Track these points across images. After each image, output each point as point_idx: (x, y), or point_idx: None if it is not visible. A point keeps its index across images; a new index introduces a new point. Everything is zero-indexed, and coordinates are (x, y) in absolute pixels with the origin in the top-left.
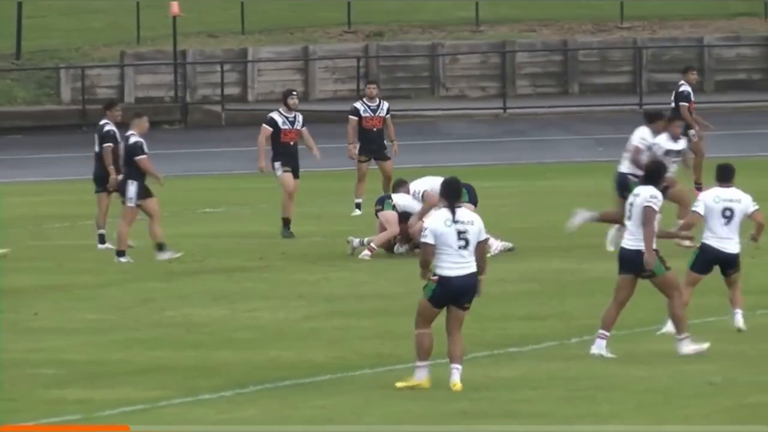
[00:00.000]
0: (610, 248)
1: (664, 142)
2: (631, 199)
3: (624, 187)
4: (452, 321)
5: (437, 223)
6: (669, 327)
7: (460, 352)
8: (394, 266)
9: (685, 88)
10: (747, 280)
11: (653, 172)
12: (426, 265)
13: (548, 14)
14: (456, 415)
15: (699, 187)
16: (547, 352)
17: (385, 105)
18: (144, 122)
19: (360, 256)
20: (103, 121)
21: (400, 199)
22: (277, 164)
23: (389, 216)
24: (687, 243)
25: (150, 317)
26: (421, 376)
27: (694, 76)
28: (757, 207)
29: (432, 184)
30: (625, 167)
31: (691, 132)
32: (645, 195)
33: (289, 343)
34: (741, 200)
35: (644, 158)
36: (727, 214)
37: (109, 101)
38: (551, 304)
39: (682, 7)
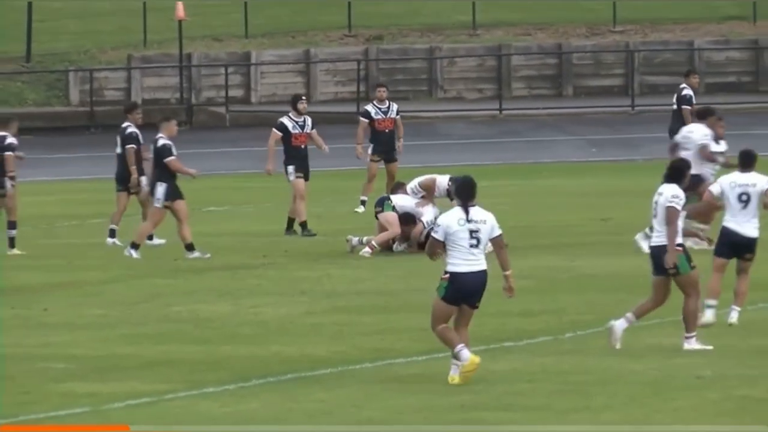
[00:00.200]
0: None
1: (701, 138)
2: (655, 197)
3: (697, 184)
4: (461, 318)
5: (450, 221)
6: (710, 317)
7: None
8: (394, 263)
9: (687, 91)
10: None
11: (677, 170)
12: (431, 256)
13: (543, 18)
14: (454, 408)
15: None
16: (542, 347)
17: (395, 106)
18: (172, 125)
19: (360, 253)
20: (125, 124)
21: (399, 200)
22: (291, 168)
23: (390, 217)
24: (704, 245)
25: (157, 313)
26: (465, 356)
27: (696, 79)
28: None
29: (421, 177)
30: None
31: None
32: (667, 194)
33: (291, 338)
34: (756, 183)
35: (712, 151)
36: (744, 198)
37: (131, 104)
38: (545, 300)
39: (673, 11)
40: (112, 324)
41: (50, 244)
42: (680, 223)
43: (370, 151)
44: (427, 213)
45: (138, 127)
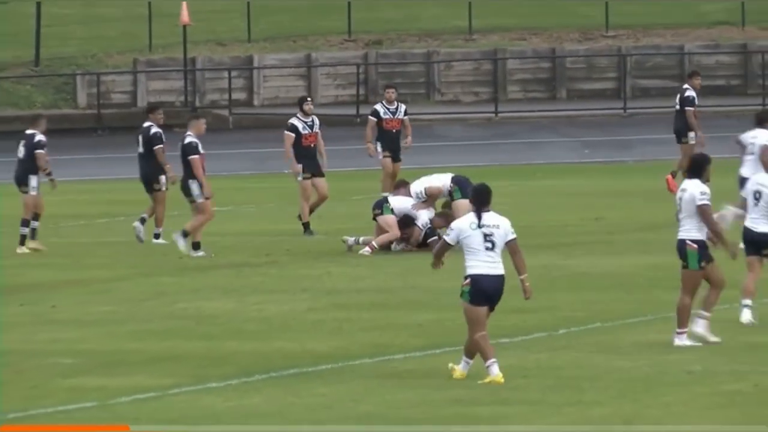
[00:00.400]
0: None
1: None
2: (679, 193)
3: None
4: None
5: (463, 225)
6: (747, 316)
7: (475, 349)
8: (393, 262)
9: (690, 92)
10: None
11: (697, 165)
12: (438, 255)
13: (537, 23)
14: (451, 402)
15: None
16: (536, 343)
17: (403, 107)
18: (201, 123)
19: (360, 252)
20: (147, 124)
21: (397, 202)
22: (299, 167)
23: (389, 220)
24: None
25: (162, 310)
26: (495, 372)
27: (698, 81)
28: None
29: (428, 182)
30: (746, 171)
31: (691, 135)
32: (693, 192)
33: (293, 334)
34: None
35: None
36: (756, 196)
37: (152, 105)
38: (540, 297)
39: (664, 16)
40: (119, 320)
41: (58, 243)
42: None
43: (379, 148)
44: (423, 215)
45: (160, 127)
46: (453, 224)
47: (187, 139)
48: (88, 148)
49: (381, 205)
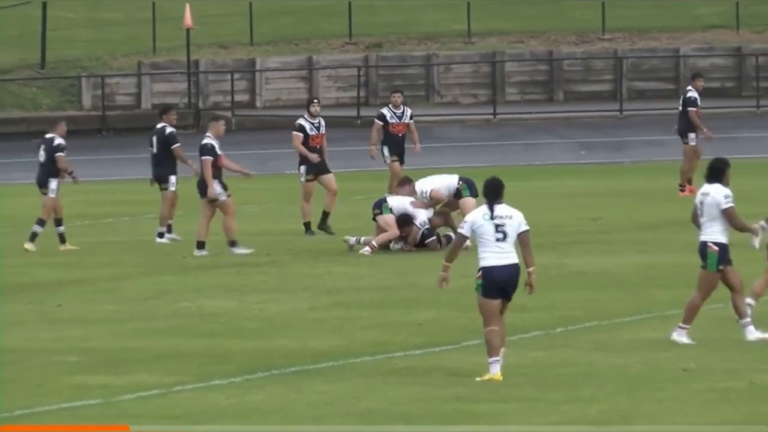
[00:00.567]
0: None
1: None
2: (700, 197)
3: None
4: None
5: (476, 217)
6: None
7: (504, 337)
8: (392, 261)
9: (693, 93)
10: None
11: (716, 169)
12: (451, 256)
13: (535, 27)
14: (450, 399)
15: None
16: (535, 341)
17: (409, 111)
18: (219, 125)
19: (360, 252)
20: (160, 125)
21: (395, 202)
22: (303, 169)
23: (388, 219)
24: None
25: (166, 308)
26: (495, 370)
27: (701, 82)
28: None
29: (435, 183)
30: None
31: (691, 136)
32: (717, 196)
33: (294, 333)
34: None
35: None
36: None
37: (166, 106)
38: (538, 296)
39: (659, 20)
40: (123, 319)
41: None
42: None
43: (387, 152)
44: (421, 214)
45: (173, 127)
46: (467, 217)
47: (204, 140)
48: (93, 149)
49: (380, 205)
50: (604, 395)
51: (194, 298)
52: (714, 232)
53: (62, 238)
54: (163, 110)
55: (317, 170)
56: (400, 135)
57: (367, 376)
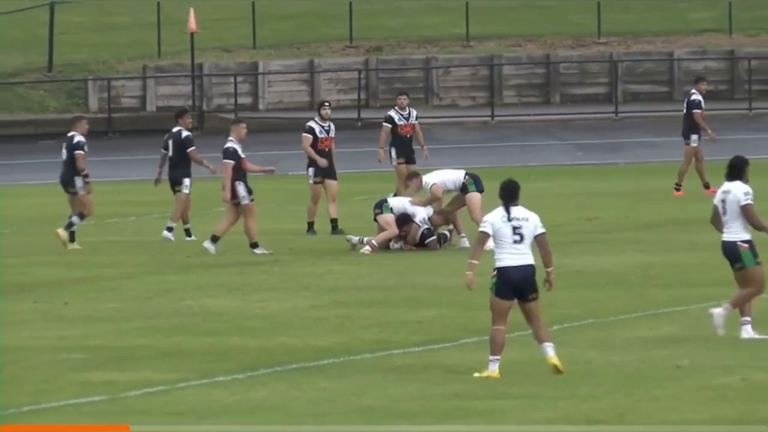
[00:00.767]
0: None
1: None
2: (722, 195)
3: None
4: (528, 313)
5: (495, 218)
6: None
7: (545, 332)
8: (392, 260)
9: (696, 96)
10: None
11: (736, 167)
12: (476, 253)
13: (532, 31)
14: (449, 396)
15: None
16: (530, 339)
17: (414, 113)
18: (240, 128)
19: (361, 251)
20: (176, 128)
21: (396, 202)
22: (311, 171)
23: (388, 219)
24: None
25: (169, 307)
26: (493, 368)
27: (704, 85)
28: None
29: (442, 177)
30: None
31: (693, 137)
32: (737, 193)
33: (296, 331)
34: None
35: None
36: None
37: (181, 109)
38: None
39: (654, 24)
40: (128, 317)
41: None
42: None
43: (394, 154)
44: (420, 212)
45: (189, 130)
46: (486, 217)
47: (226, 144)
48: (99, 151)
49: (381, 205)
50: (601, 392)
51: (197, 296)
52: (739, 230)
53: (72, 235)
54: (179, 114)
55: (325, 173)
56: (407, 136)
57: (368, 374)
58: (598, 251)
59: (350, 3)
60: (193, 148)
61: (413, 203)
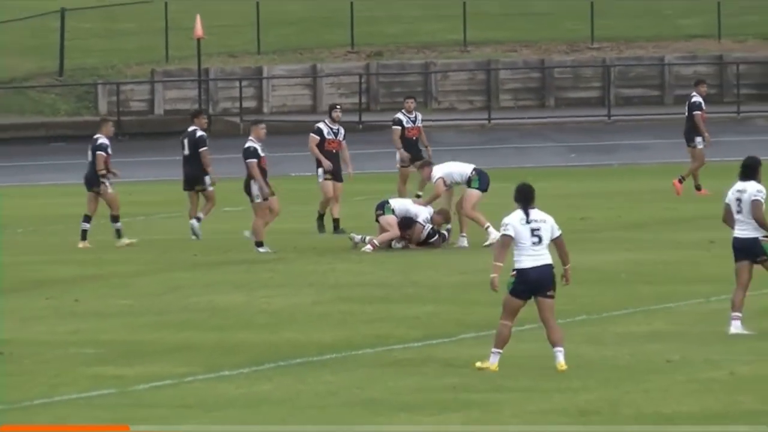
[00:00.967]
0: None
1: None
2: (737, 194)
3: None
4: (543, 311)
5: (514, 221)
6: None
7: (559, 336)
8: (393, 259)
9: (697, 98)
10: (700, 269)
11: (750, 167)
12: (500, 256)
13: (528, 36)
14: (447, 389)
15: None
16: (528, 334)
17: (419, 116)
18: (259, 129)
19: (362, 250)
20: (192, 128)
21: (397, 203)
22: (320, 171)
23: (390, 220)
24: None
25: (178, 303)
26: (493, 361)
27: (704, 88)
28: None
29: (449, 169)
30: None
31: (698, 139)
32: (752, 190)
33: (300, 326)
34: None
35: None
36: None
37: (197, 110)
38: None
39: (645, 29)
40: (137, 313)
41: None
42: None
43: (398, 156)
44: (422, 212)
45: (204, 131)
46: (505, 219)
47: (246, 144)
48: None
49: (383, 206)
50: (592, 385)
51: (205, 293)
52: (757, 227)
53: (84, 235)
54: (195, 114)
55: (331, 174)
56: (414, 138)
57: (369, 367)
58: (591, 250)
59: (352, 10)
60: (205, 148)
61: (415, 203)
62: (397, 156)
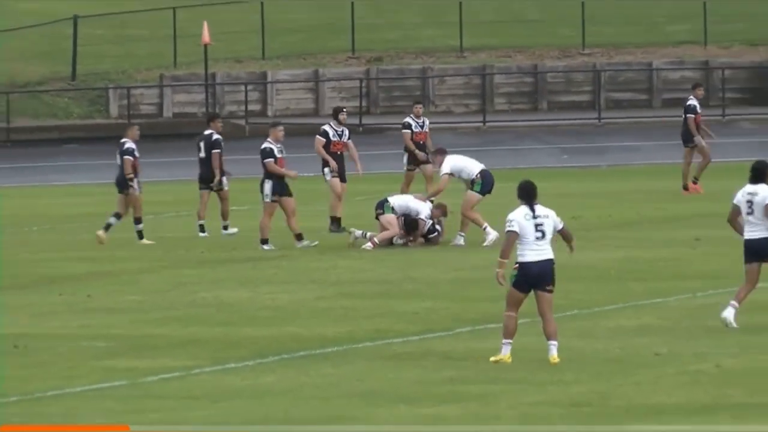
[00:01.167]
0: None
1: None
2: (747, 197)
3: None
4: (541, 304)
5: (519, 217)
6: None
7: (554, 329)
8: (393, 256)
9: (692, 102)
10: (688, 266)
11: (760, 171)
12: (506, 252)
13: (521, 43)
14: (444, 381)
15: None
16: (521, 328)
17: (427, 121)
18: (277, 131)
19: (362, 247)
20: (207, 131)
21: (397, 201)
22: (327, 170)
23: (390, 219)
24: None
25: (185, 298)
26: (505, 352)
27: (700, 92)
28: None
29: (457, 165)
30: None
31: (697, 139)
32: (764, 193)
33: (303, 321)
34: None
35: None
36: None
37: (212, 114)
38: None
39: (634, 36)
40: (147, 308)
41: (92, 239)
42: None
43: (405, 159)
44: (423, 210)
45: (219, 134)
46: (510, 216)
47: (263, 145)
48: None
49: (382, 205)
50: (584, 378)
51: (211, 289)
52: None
53: (107, 226)
54: (211, 118)
55: (340, 172)
56: (421, 143)
57: (369, 360)
58: (582, 247)
59: (352, 17)
60: (218, 151)
61: (416, 197)
62: (404, 159)
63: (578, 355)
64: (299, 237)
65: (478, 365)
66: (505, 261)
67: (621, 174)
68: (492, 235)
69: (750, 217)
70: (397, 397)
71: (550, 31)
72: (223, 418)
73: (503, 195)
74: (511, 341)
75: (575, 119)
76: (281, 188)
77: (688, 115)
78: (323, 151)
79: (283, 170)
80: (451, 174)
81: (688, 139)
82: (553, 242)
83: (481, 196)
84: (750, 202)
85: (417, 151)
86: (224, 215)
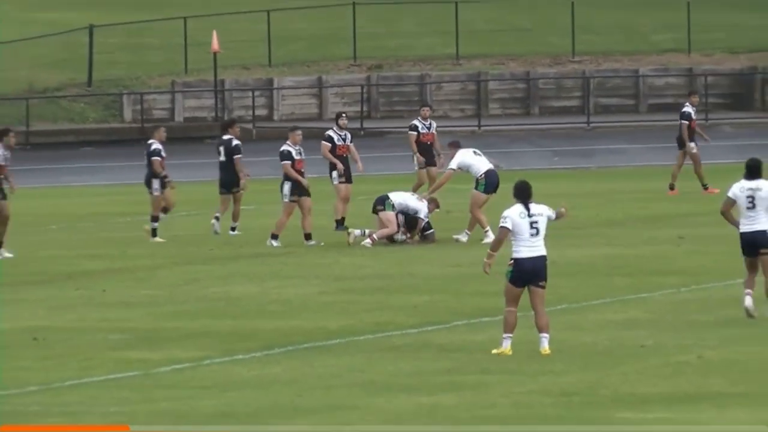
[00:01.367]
0: None
1: None
2: (748, 192)
3: None
4: (534, 299)
5: (514, 215)
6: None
7: (545, 322)
8: (392, 253)
9: (687, 108)
10: (672, 263)
11: (756, 167)
12: (496, 246)
13: (514, 51)
14: (441, 372)
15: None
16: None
17: (434, 123)
18: (295, 135)
19: (362, 244)
20: (227, 137)
21: (397, 198)
22: (334, 174)
23: (390, 216)
24: None
25: (196, 293)
26: (506, 345)
27: (696, 99)
28: None
29: (465, 162)
30: None
31: (691, 144)
32: (767, 189)
33: (307, 314)
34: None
35: None
36: None
37: (230, 120)
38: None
39: (622, 44)
40: (159, 303)
41: (108, 237)
42: None
43: (415, 160)
44: (423, 209)
45: (238, 138)
46: (505, 213)
47: (282, 147)
48: (133, 157)
49: (383, 202)
50: (573, 368)
51: (221, 284)
52: (766, 219)
53: (154, 232)
54: (229, 124)
55: (346, 174)
56: (428, 143)
57: (370, 352)
58: (571, 245)
59: (354, 26)
60: (239, 156)
61: (420, 198)
62: (414, 159)
63: (568, 347)
64: (308, 236)
65: (474, 356)
66: (494, 254)
67: (609, 175)
68: (492, 237)
69: (749, 212)
70: (396, 387)
71: (542, 40)
72: (231, 407)
73: (499, 195)
74: (511, 335)
75: (565, 123)
76: (300, 189)
77: (682, 122)
78: (330, 155)
79: (295, 175)
80: (458, 169)
81: (682, 143)
82: (546, 240)
83: (486, 195)
84: (751, 197)
85: (417, 154)
86: (235, 216)
